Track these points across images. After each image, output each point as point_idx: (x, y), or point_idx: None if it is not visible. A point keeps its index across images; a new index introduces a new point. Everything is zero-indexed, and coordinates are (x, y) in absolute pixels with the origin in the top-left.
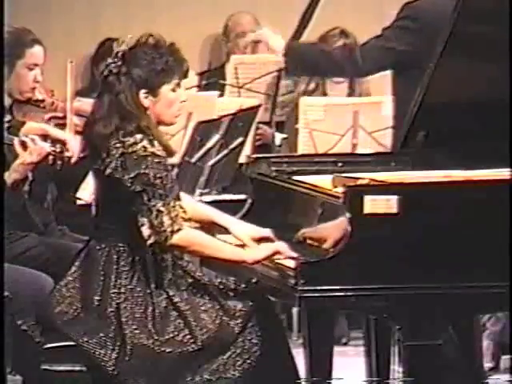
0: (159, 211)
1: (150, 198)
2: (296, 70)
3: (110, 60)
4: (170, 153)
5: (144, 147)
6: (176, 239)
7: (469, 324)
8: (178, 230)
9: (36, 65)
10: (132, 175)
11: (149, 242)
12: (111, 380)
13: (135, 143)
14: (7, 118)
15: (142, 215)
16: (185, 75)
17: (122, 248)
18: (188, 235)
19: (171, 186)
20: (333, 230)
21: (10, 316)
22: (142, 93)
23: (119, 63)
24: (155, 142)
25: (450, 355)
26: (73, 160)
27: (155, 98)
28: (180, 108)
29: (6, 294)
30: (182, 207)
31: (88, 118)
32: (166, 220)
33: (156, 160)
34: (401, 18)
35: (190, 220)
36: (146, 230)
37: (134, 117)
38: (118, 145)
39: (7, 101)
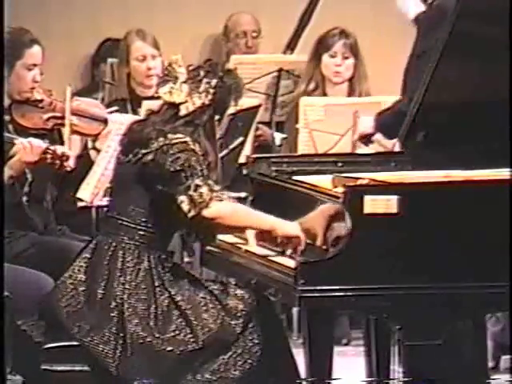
0: (198, 185)
1: (188, 177)
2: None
3: (193, 90)
4: (212, 177)
5: (186, 142)
6: (214, 209)
7: (474, 324)
8: (220, 200)
9: (35, 65)
10: (172, 157)
11: (189, 215)
12: (112, 378)
13: (178, 138)
14: (6, 117)
15: (181, 194)
16: None
17: (127, 245)
18: (226, 206)
19: (208, 172)
20: (314, 220)
21: (10, 316)
22: (216, 120)
23: (207, 95)
24: (197, 144)
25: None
26: (70, 163)
27: (219, 121)
28: None
29: (6, 294)
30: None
31: (145, 126)
32: (205, 191)
33: (196, 154)
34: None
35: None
36: (185, 206)
37: (205, 147)
38: (161, 138)
39: (6, 101)
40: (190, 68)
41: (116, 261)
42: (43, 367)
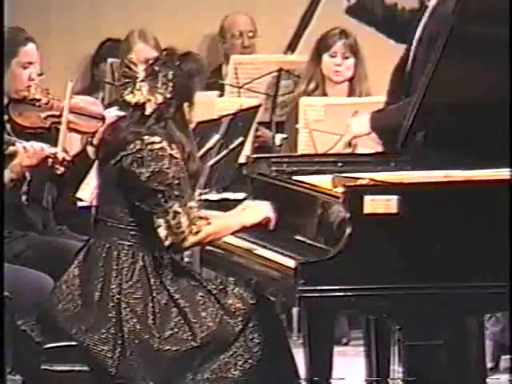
0: (176, 212)
1: (167, 200)
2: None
3: (157, 87)
4: (192, 167)
5: (163, 147)
6: (193, 240)
7: (472, 323)
8: (197, 232)
9: (30, 63)
10: (150, 171)
11: (166, 243)
12: (112, 378)
13: (154, 142)
14: (4, 117)
15: (158, 217)
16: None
17: (121, 245)
18: (205, 233)
19: (187, 187)
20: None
21: (10, 316)
22: (186, 106)
23: (166, 89)
24: (174, 146)
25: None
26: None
27: (191, 106)
28: None
29: (5, 294)
30: (196, 207)
31: (119, 132)
32: (184, 221)
33: (174, 161)
34: None
35: (206, 219)
36: (162, 231)
37: (179, 139)
38: (138, 141)
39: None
40: (147, 64)
41: (111, 261)
42: (43, 367)
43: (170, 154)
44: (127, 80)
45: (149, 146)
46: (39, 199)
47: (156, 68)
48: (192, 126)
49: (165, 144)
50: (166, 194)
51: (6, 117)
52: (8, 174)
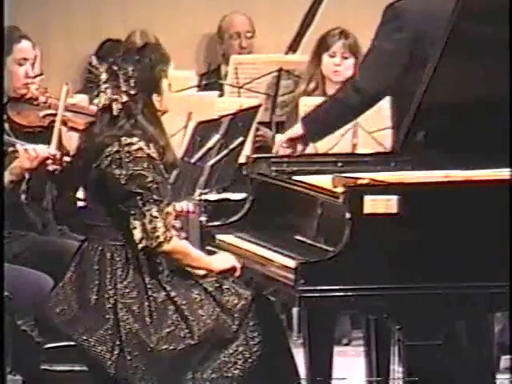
0: (153, 216)
1: (145, 203)
2: (318, 138)
3: (120, 85)
4: (169, 158)
5: (141, 148)
6: (167, 246)
7: (477, 323)
8: (171, 238)
9: (25, 59)
10: (128, 173)
11: (140, 245)
12: (111, 378)
13: (132, 143)
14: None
15: (135, 218)
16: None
17: (114, 246)
18: (177, 244)
19: (165, 191)
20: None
21: (10, 316)
22: (154, 97)
23: (129, 85)
24: (151, 145)
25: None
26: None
27: (161, 96)
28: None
29: (5, 293)
30: (171, 213)
31: (94, 137)
32: (161, 226)
33: (153, 163)
34: (383, 22)
35: (181, 229)
36: (137, 234)
37: (152, 134)
38: (115, 143)
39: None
40: (108, 64)
41: (105, 263)
42: (43, 367)
43: (148, 155)
44: (91, 84)
45: (126, 148)
46: (39, 199)
47: (115, 67)
48: (182, 116)
49: (142, 144)
50: (145, 197)
51: (4, 116)
52: (8, 176)
